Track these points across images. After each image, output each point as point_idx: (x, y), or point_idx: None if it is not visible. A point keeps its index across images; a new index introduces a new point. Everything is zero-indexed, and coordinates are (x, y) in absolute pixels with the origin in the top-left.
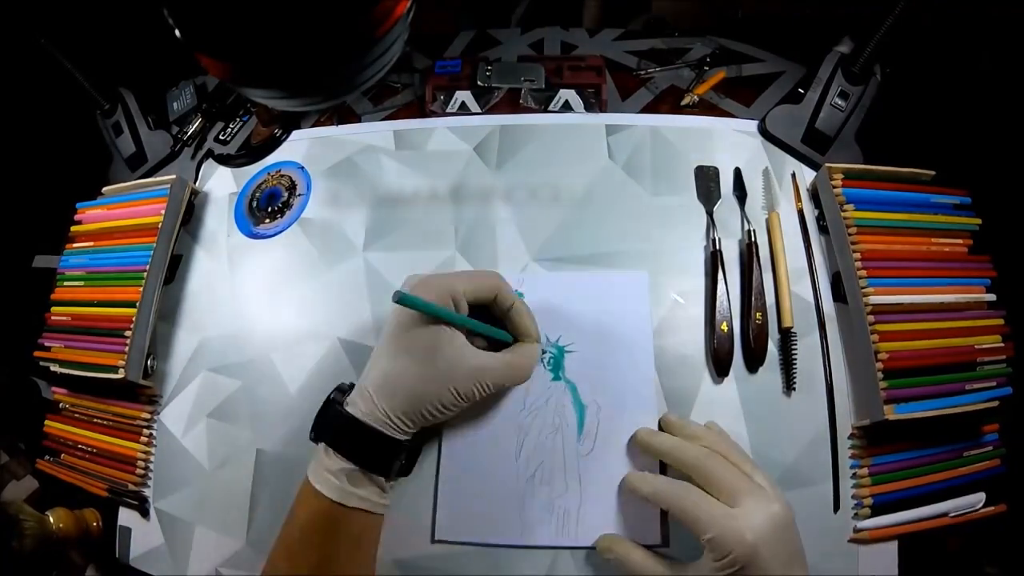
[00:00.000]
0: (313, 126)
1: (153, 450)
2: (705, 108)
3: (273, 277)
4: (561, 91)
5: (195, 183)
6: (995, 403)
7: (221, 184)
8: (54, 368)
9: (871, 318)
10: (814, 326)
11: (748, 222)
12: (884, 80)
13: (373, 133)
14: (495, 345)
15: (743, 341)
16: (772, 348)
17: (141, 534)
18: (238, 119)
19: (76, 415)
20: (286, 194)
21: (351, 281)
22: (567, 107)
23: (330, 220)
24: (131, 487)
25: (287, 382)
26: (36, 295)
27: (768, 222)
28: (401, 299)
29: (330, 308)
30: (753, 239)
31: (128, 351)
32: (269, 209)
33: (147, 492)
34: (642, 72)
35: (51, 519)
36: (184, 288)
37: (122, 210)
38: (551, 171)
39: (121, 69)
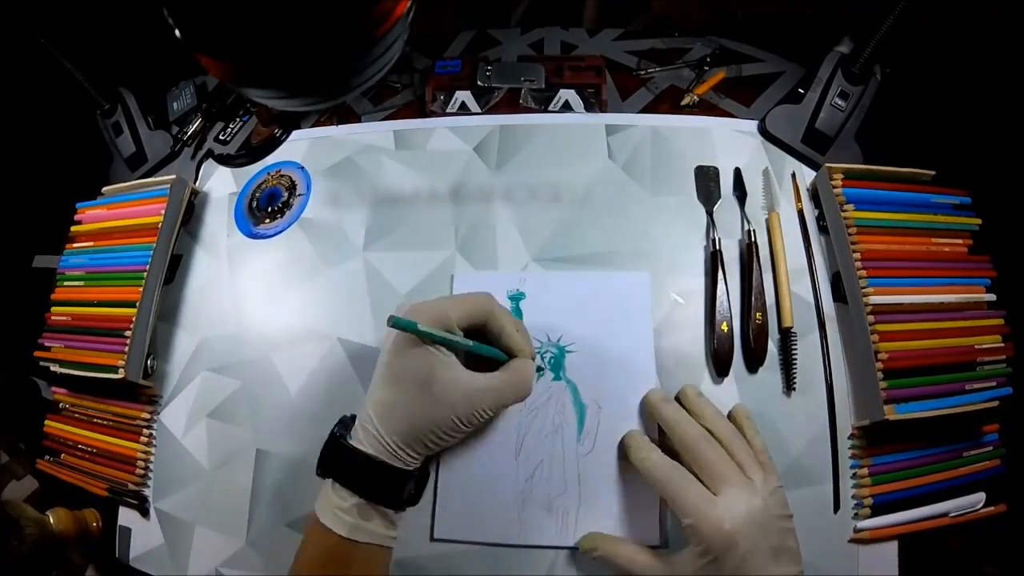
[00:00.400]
0: (313, 126)
1: (153, 450)
2: (705, 108)
3: (273, 277)
4: (561, 91)
5: (195, 183)
6: (995, 403)
7: (221, 184)
8: (54, 368)
9: (871, 318)
10: (814, 326)
11: (748, 222)
12: (884, 80)
13: (373, 133)
14: (492, 366)
15: (743, 341)
16: (772, 348)
17: (141, 534)
18: (238, 119)
19: (76, 415)
20: (286, 194)
21: (351, 281)
22: (567, 107)
23: (330, 220)
24: (131, 487)
25: (287, 382)
26: (36, 295)
27: (768, 222)
28: (395, 323)
29: (330, 308)
30: (753, 239)
31: (128, 351)
32: (269, 209)
33: (147, 492)
34: (642, 72)
35: (51, 519)
36: (184, 288)
37: (122, 210)
38: (551, 171)
39: (121, 69)
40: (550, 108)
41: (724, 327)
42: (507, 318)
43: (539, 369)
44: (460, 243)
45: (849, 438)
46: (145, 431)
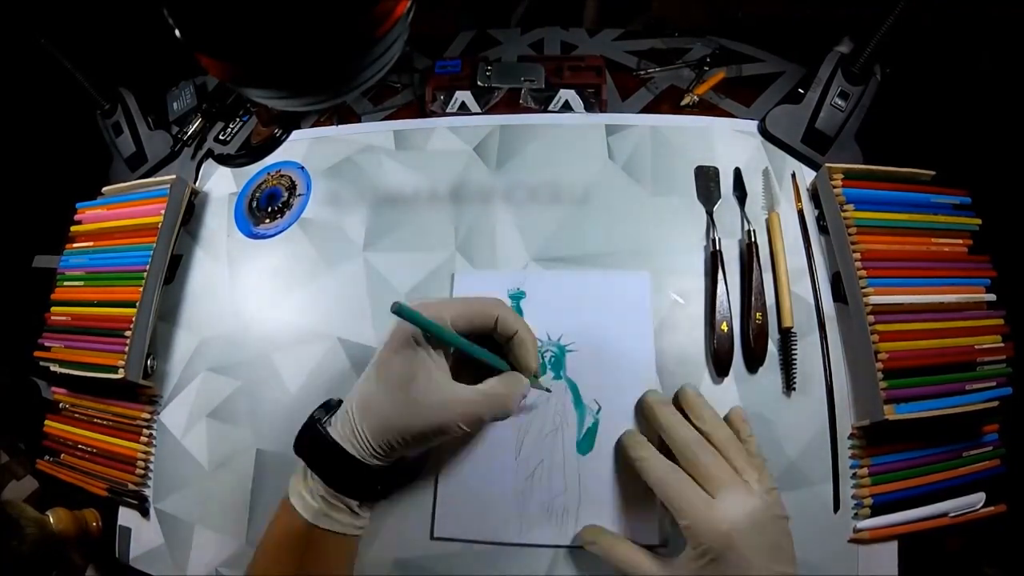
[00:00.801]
0: (313, 126)
1: (153, 450)
2: (705, 108)
3: (273, 277)
4: (561, 91)
5: (195, 183)
6: (995, 403)
7: (221, 184)
8: (54, 368)
9: (871, 318)
10: (814, 326)
11: (748, 222)
12: (884, 80)
13: (373, 133)
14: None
15: (743, 341)
16: (772, 348)
17: (141, 534)
18: (238, 119)
19: (76, 415)
20: (286, 194)
21: (351, 281)
22: (567, 107)
23: (330, 220)
24: (131, 487)
25: (287, 382)
26: (36, 295)
27: (768, 222)
28: (399, 309)
29: (330, 308)
30: (753, 239)
31: (128, 351)
32: (269, 209)
33: (147, 492)
34: (642, 72)
35: (51, 519)
36: (184, 288)
37: (122, 210)
38: (551, 171)
39: (121, 69)
40: (550, 108)
41: (724, 327)
42: (519, 325)
43: (545, 389)
44: (460, 243)
45: (849, 438)
46: (145, 431)
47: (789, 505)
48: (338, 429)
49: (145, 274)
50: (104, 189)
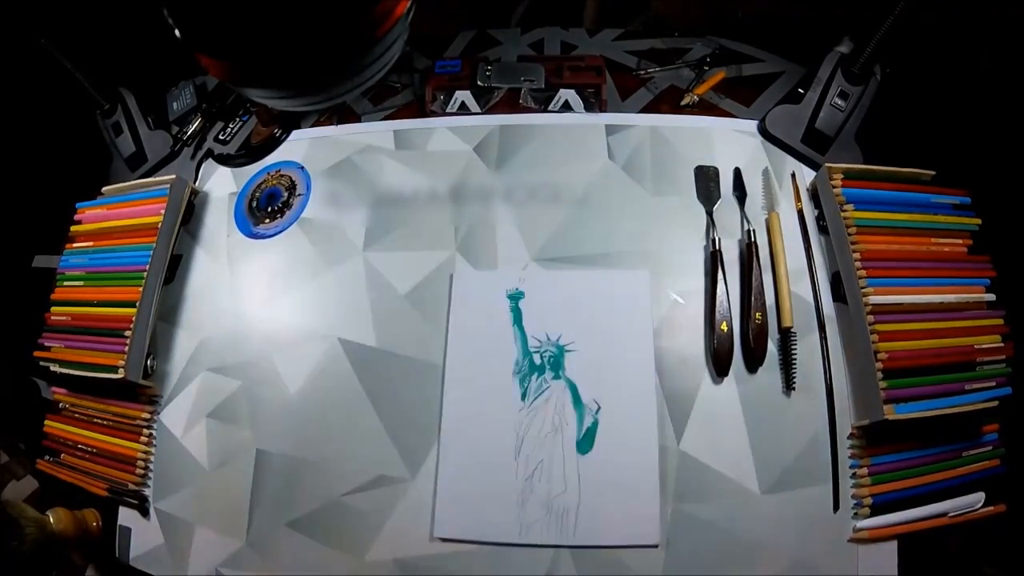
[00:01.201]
0: (313, 126)
1: (153, 450)
2: (705, 108)
3: (273, 277)
4: (561, 91)
5: (195, 183)
6: (994, 403)
7: (221, 184)
8: (54, 368)
9: (871, 318)
10: (814, 326)
11: (748, 222)
12: (884, 80)
13: (373, 133)
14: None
15: (743, 341)
16: (772, 348)
17: (141, 534)
18: (238, 119)
19: (76, 415)
20: (286, 194)
21: (351, 281)
22: (567, 107)
23: (330, 220)
24: (131, 487)
25: (287, 382)
26: (36, 295)
27: (768, 222)
28: None
29: (330, 308)
30: (753, 239)
31: (128, 351)
32: (269, 209)
33: (147, 492)
34: (642, 72)
35: (51, 519)
36: (184, 288)
37: (122, 210)
38: (551, 171)
39: (121, 69)
40: (550, 108)
41: (724, 327)
42: None
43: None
44: (460, 243)
45: (849, 438)
46: (145, 431)
47: (789, 505)
48: None
49: (145, 274)
50: (104, 189)
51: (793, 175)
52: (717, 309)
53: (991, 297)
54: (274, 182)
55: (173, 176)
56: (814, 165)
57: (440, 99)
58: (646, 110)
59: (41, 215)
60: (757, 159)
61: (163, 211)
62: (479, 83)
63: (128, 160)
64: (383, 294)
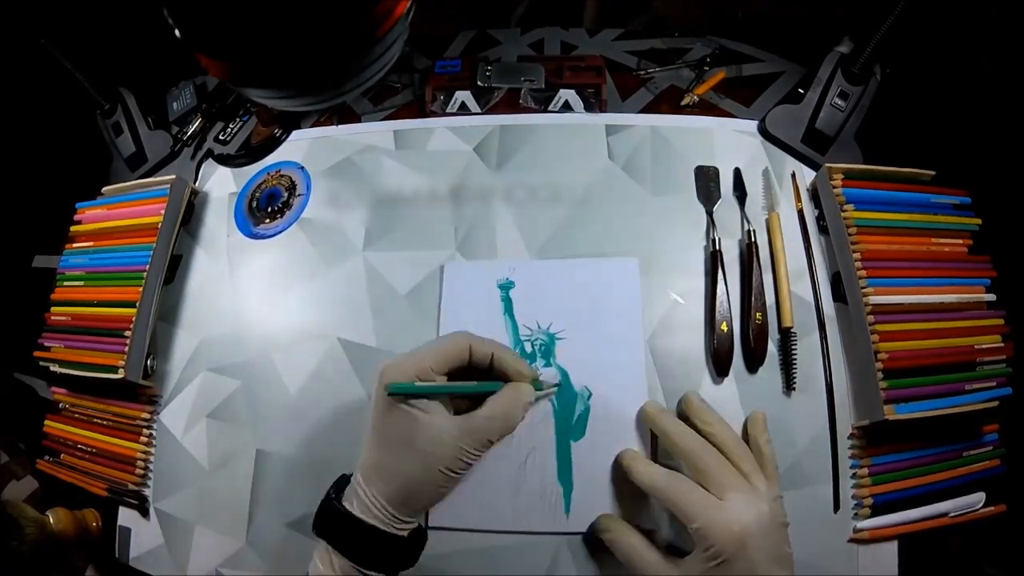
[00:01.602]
0: (313, 126)
1: (153, 450)
2: (705, 108)
3: (273, 277)
4: (561, 91)
5: (195, 183)
6: (995, 403)
7: (221, 184)
8: (54, 368)
9: (871, 318)
10: (814, 326)
11: (748, 222)
12: (884, 80)
13: (373, 133)
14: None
15: (743, 341)
16: (772, 348)
17: (141, 534)
18: (238, 119)
19: (76, 415)
20: (286, 194)
21: (351, 281)
22: (567, 107)
23: (330, 220)
24: (131, 487)
25: (287, 382)
26: (36, 295)
27: (768, 222)
28: (393, 389)
29: (330, 308)
30: (753, 239)
31: (128, 351)
32: (269, 209)
33: (147, 492)
34: (642, 72)
35: (51, 519)
36: (184, 288)
37: (122, 210)
38: (551, 171)
39: (121, 69)
40: (550, 108)
41: (724, 327)
42: (492, 347)
43: (553, 385)
44: (460, 243)
45: (849, 438)
46: (145, 431)
47: (789, 505)
48: (355, 503)
49: (145, 274)
50: (104, 189)
51: (793, 175)
52: (717, 309)
53: (991, 297)
54: (274, 182)
55: (173, 176)
56: (814, 165)
57: (440, 99)
58: (646, 110)
59: (41, 215)
60: (757, 159)
61: (163, 211)
62: (479, 83)
63: (128, 160)
64: (383, 294)
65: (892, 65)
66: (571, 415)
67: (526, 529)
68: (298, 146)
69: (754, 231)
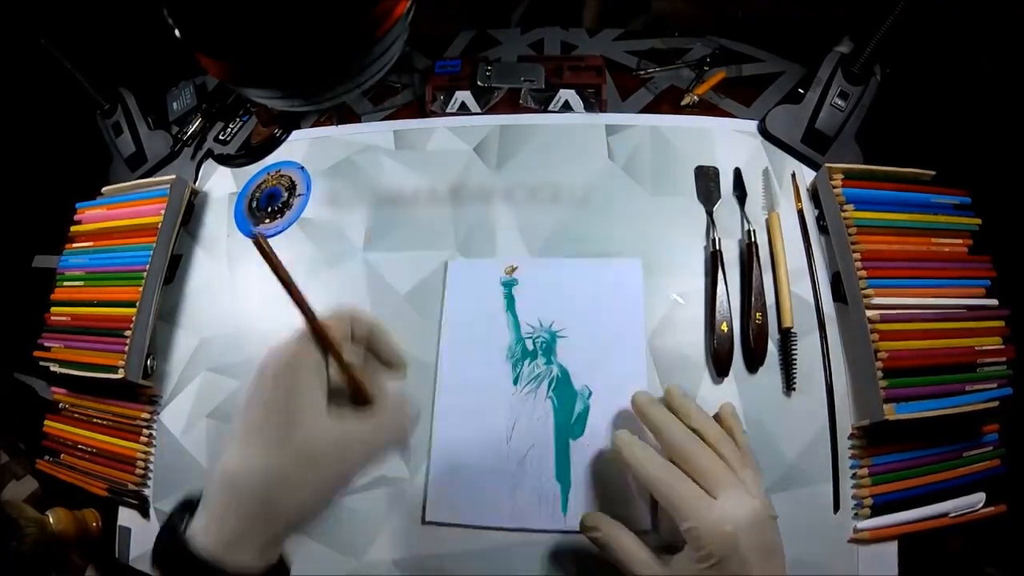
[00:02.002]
0: (313, 126)
1: (153, 450)
2: (705, 108)
3: (273, 277)
4: (561, 91)
5: (195, 183)
6: (995, 403)
7: (221, 184)
8: (54, 368)
9: (871, 314)
10: (814, 326)
11: (748, 222)
12: (884, 80)
13: (373, 133)
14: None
15: (743, 341)
16: (772, 348)
17: (141, 534)
18: (238, 119)
19: (76, 415)
20: (286, 194)
21: (351, 281)
22: (567, 107)
23: (330, 220)
24: (131, 487)
25: None
26: (36, 295)
27: (768, 222)
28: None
29: (330, 308)
30: (753, 239)
31: (128, 351)
32: (269, 209)
33: (147, 492)
34: (642, 72)
35: (51, 519)
36: (184, 288)
37: (122, 210)
38: (551, 171)
39: (121, 69)
40: (550, 108)
41: (724, 327)
42: (374, 324)
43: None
44: (460, 243)
45: (849, 438)
46: (145, 431)
47: (789, 505)
48: (202, 527)
49: (145, 274)
50: (104, 189)
51: (793, 175)
52: (717, 309)
53: (993, 302)
54: (274, 182)
55: (173, 176)
56: (814, 165)
57: (440, 99)
58: (646, 110)
59: (41, 215)
60: (757, 159)
61: (163, 211)
62: (479, 83)
63: (128, 160)
64: (383, 294)
65: (892, 65)
66: (571, 413)
67: (523, 526)
68: (298, 146)
69: (754, 231)
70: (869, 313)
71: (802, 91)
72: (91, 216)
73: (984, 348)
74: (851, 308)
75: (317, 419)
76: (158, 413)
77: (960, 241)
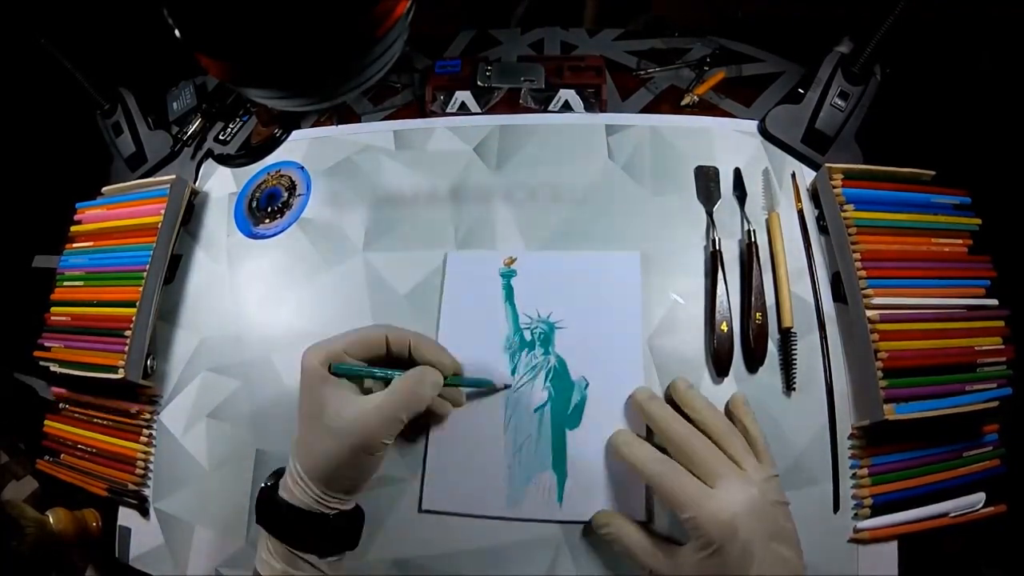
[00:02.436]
0: (313, 126)
1: (153, 450)
2: (705, 108)
3: (273, 277)
4: (561, 91)
5: (195, 183)
6: (995, 403)
7: (221, 184)
8: (54, 368)
9: (871, 314)
10: (814, 326)
11: (748, 222)
12: (884, 80)
13: (373, 133)
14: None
15: (743, 341)
16: (772, 348)
17: (141, 534)
18: (238, 119)
19: (76, 415)
20: (286, 194)
21: (351, 281)
22: (567, 107)
23: (330, 220)
24: (131, 487)
25: (287, 382)
26: (36, 295)
27: (768, 222)
28: (335, 370)
29: (330, 308)
30: (753, 239)
31: (128, 351)
32: (269, 209)
33: (147, 492)
34: (642, 72)
35: (51, 519)
36: (184, 288)
37: (122, 210)
38: (551, 171)
39: (121, 69)
40: (550, 108)
41: (724, 327)
42: (411, 336)
43: (502, 387)
44: (460, 243)
45: (849, 438)
46: (145, 431)
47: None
48: (288, 487)
49: (145, 274)
50: (104, 189)
51: (793, 175)
52: (717, 309)
53: (993, 302)
54: (274, 182)
55: (173, 176)
56: (814, 165)
57: (440, 99)
58: (646, 110)
59: (41, 215)
60: (757, 159)
61: (163, 211)
62: (479, 83)
63: (128, 160)
64: (383, 294)
65: (892, 65)
66: (567, 404)
67: (519, 516)
68: (298, 146)
69: (754, 231)
70: (869, 313)
71: (802, 91)
72: (91, 216)
73: (984, 348)
74: (851, 308)
75: (340, 401)
76: (158, 413)
77: (960, 241)
